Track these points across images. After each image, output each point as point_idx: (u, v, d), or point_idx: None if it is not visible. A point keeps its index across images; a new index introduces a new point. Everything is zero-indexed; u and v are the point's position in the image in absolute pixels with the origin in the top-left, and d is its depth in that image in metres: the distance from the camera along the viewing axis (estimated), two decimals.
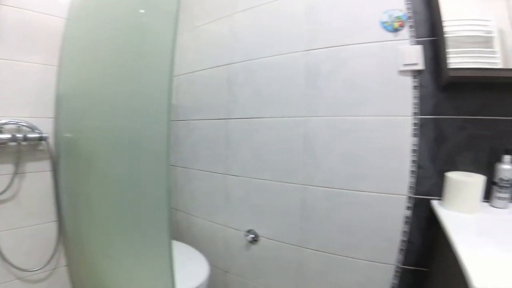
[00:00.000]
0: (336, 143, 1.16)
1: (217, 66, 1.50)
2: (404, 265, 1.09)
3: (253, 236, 1.37)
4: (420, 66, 1.03)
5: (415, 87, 1.04)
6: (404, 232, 1.08)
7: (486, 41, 0.97)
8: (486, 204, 0.97)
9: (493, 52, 0.97)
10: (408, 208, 1.06)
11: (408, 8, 1.05)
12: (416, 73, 1.04)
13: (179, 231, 1.75)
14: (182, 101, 1.69)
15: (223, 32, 1.47)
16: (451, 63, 0.93)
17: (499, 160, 0.95)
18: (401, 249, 1.09)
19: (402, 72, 1.05)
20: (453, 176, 0.95)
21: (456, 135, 1.01)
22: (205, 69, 1.56)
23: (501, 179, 0.94)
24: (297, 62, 1.23)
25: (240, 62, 1.41)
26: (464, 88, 1.00)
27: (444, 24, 0.94)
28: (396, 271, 1.10)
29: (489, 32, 0.97)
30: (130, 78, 1.02)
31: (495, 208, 0.95)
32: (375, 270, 1.13)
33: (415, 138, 1.04)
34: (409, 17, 1.05)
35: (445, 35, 0.94)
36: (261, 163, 1.35)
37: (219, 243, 1.54)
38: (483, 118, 0.99)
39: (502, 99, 0.98)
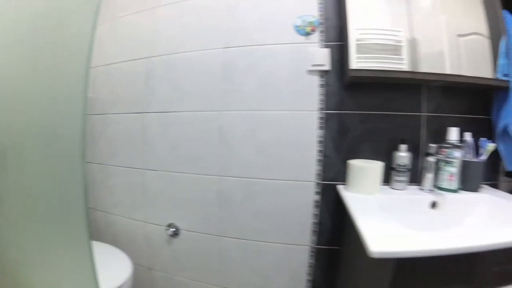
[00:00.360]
0: (250, 135, 1.22)
1: (136, 59, 1.44)
2: (318, 245, 1.22)
3: (174, 229, 1.37)
4: (327, 67, 1.15)
5: (321, 85, 1.16)
6: (315, 215, 1.20)
7: (395, 49, 1.10)
8: (386, 187, 1.14)
9: (401, 59, 1.10)
10: (317, 193, 1.18)
11: (320, 15, 1.16)
12: (323, 73, 1.16)
13: (98, 231, 1.64)
14: (99, 94, 1.58)
15: (144, 25, 1.41)
16: (356, 65, 1.05)
17: (396, 149, 1.12)
18: (314, 230, 1.21)
19: (311, 72, 1.16)
20: (354, 163, 1.08)
21: (358, 127, 1.16)
22: (124, 61, 1.48)
23: (398, 165, 1.10)
24: (216, 58, 1.26)
25: (159, 56, 1.37)
26: (365, 87, 1.14)
27: (350, 31, 1.06)
28: (312, 251, 1.22)
29: (399, 41, 1.10)
30: (43, 68, 0.92)
31: (394, 190, 1.11)
32: (292, 252, 1.23)
33: (321, 131, 1.16)
34: (321, 23, 1.16)
35: (349, 41, 1.05)
36: (179, 156, 1.35)
37: (141, 240, 1.49)
38: (382, 113, 1.15)
39: (398, 97, 1.16)
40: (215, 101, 1.26)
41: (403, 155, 1.09)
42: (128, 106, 1.46)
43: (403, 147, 1.09)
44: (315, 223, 1.20)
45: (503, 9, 1.16)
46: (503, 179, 1.27)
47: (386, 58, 1.07)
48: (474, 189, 1.10)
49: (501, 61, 1.11)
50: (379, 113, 1.15)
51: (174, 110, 1.33)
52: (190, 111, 1.30)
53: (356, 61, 1.06)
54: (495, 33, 1.14)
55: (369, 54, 1.07)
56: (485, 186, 1.18)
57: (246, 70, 1.22)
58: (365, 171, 1.05)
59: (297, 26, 1.16)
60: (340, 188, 1.11)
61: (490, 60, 1.13)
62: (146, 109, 1.40)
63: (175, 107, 1.33)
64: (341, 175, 1.14)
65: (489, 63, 1.13)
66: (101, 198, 1.61)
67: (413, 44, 1.10)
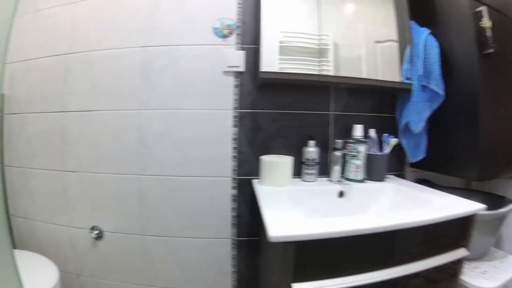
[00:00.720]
0: (168, 133, 1.24)
1: (55, 55, 1.37)
2: (238, 237, 1.26)
3: (97, 232, 1.33)
4: (242, 68, 1.20)
5: (236, 86, 1.21)
6: (233, 208, 1.24)
7: (321, 52, 1.16)
8: (298, 179, 1.21)
9: (328, 61, 1.17)
10: (234, 187, 1.24)
11: (238, 18, 1.21)
12: (238, 74, 1.21)
13: (21, 239, 1.54)
14: (17, 92, 1.49)
15: (65, 19, 1.35)
16: (279, 66, 1.11)
17: (305, 144, 1.20)
18: (234, 223, 1.25)
19: (226, 73, 1.21)
20: (266, 158, 1.13)
21: (270, 125, 1.23)
22: (43, 57, 1.41)
23: (307, 159, 1.17)
24: (135, 56, 1.25)
25: (79, 52, 1.33)
26: (277, 87, 1.22)
27: (263, 35, 1.11)
28: (233, 244, 1.27)
29: (326, 44, 1.16)
30: None
31: (305, 182, 1.19)
32: (215, 245, 1.27)
33: (235, 129, 1.21)
34: (238, 26, 1.21)
35: (261, 44, 1.10)
36: (98, 156, 1.32)
37: (66, 246, 1.43)
38: (293, 112, 1.24)
39: (309, 97, 1.25)
40: (134, 100, 1.25)
41: (311, 150, 1.17)
42: (47, 104, 1.39)
43: (312, 142, 1.18)
44: (234, 216, 1.25)
45: (410, 19, 1.29)
46: (408, 170, 1.42)
47: (310, 60, 1.14)
48: (379, 179, 1.21)
49: (405, 66, 1.23)
50: (290, 112, 1.23)
51: (93, 109, 1.30)
52: (109, 110, 1.28)
53: (279, 62, 1.11)
54: (403, 41, 1.27)
55: (292, 56, 1.13)
56: (391, 176, 1.30)
57: (164, 70, 1.23)
58: (276, 165, 1.11)
59: (215, 28, 1.20)
60: (255, 182, 1.16)
61: (398, 65, 1.25)
62: (65, 107, 1.35)
63: (94, 105, 1.30)
64: (256, 170, 1.20)
65: (397, 68, 1.24)
66: (22, 204, 1.51)
67: (335, 49, 1.18)
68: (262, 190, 1.05)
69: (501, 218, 1.24)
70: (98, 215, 1.34)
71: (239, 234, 1.26)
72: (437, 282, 0.97)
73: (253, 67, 1.19)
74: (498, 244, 1.50)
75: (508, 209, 1.20)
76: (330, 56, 1.17)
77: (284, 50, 1.12)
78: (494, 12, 1.25)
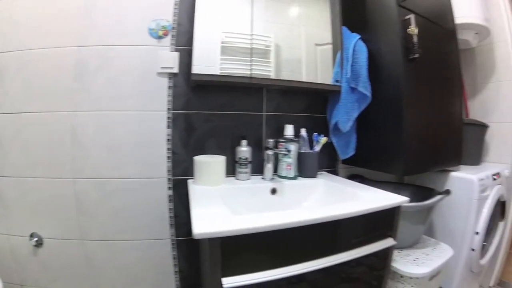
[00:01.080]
0: (102, 136, 1.23)
1: None
2: (177, 237, 1.28)
3: (37, 239, 1.29)
4: (175, 70, 1.22)
5: (170, 87, 1.23)
6: (170, 209, 1.26)
7: (264, 53, 1.20)
8: (232, 178, 1.25)
9: (269, 62, 1.21)
10: (170, 188, 1.25)
11: (174, 20, 1.22)
12: (172, 75, 1.23)
13: None
14: None
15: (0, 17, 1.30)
16: (220, 66, 1.13)
17: (238, 144, 1.23)
18: (172, 224, 1.27)
19: (160, 74, 1.22)
20: (199, 158, 1.16)
21: (203, 126, 1.25)
22: None
23: (240, 158, 1.21)
24: (69, 56, 1.23)
25: (13, 51, 1.28)
26: (211, 89, 1.24)
27: (195, 37, 1.11)
28: (173, 244, 1.28)
29: (268, 46, 1.20)
30: None
31: (239, 180, 1.23)
32: (155, 247, 1.27)
33: (169, 129, 1.23)
34: (173, 28, 1.22)
35: (194, 47, 1.11)
36: (33, 159, 1.28)
37: (7, 255, 1.38)
38: (226, 112, 1.27)
39: (242, 98, 1.29)
40: (68, 101, 1.23)
41: (244, 150, 1.21)
42: None
43: (244, 142, 1.22)
44: (171, 216, 1.26)
45: (343, 25, 1.36)
46: (341, 166, 1.50)
47: (254, 61, 1.17)
48: (311, 175, 1.27)
49: (335, 69, 1.30)
50: (223, 112, 1.27)
51: (27, 110, 1.26)
52: (43, 112, 1.25)
53: (221, 63, 1.13)
54: (336, 45, 1.33)
55: (234, 56, 1.15)
56: (324, 172, 1.37)
57: (99, 70, 1.22)
58: (209, 165, 1.14)
59: (151, 29, 1.21)
60: (189, 182, 1.18)
61: (332, 67, 1.31)
62: None
63: (28, 107, 1.26)
64: (191, 170, 1.22)
65: (330, 70, 1.31)
66: None
67: (277, 50, 1.22)
68: (195, 189, 1.07)
69: (430, 209, 1.33)
70: (37, 222, 1.31)
71: (178, 234, 1.28)
72: (368, 271, 1.03)
73: (187, 68, 1.20)
74: (430, 233, 1.61)
75: (434, 200, 1.28)
76: (272, 57, 1.21)
77: (226, 50, 1.14)
78: (421, 19, 1.34)
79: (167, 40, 1.22)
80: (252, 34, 1.17)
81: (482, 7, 1.74)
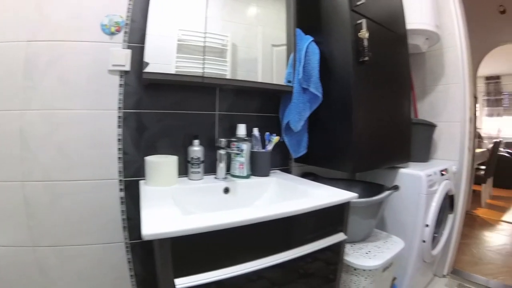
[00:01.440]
0: (52, 136, 1.18)
1: None
2: (131, 240, 1.25)
3: None
4: (127, 68, 1.19)
5: (121, 85, 1.19)
6: (123, 211, 1.23)
7: (221, 52, 1.21)
8: (185, 178, 1.24)
9: (225, 61, 1.22)
10: (121, 190, 1.22)
11: (128, 16, 1.19)
12: (123, 73, 1.19)
13: None
14: None
15: None
16: (176, 64, 1.12)
17: (190, 144, 1.23)
18: (125, 226, 1.24)
19: (112, 72, 1.18)
20: (150, 159, 1.15)
21: (155, 125, 1.23)
22: None
23: (192, 158, 1.22)
24: (19, 52, 1.17)
25: None
26: (163, 87, 1.23)
27: (148, 35, 1.09)
28: (127, 247, 1.25)
29: (224, 45, 1.21)
30: None
31: (191, 180, 1.22)
32: (110, 250, 1.24)
33: (120, 129, 1.20)
34: (127, 24, 1.19)
35: (146, 44, 1.09)
36: None
37: None
38: (177, 112, 1.26)
39: (195, 97, 1.28)
40: (16, 99, 1.17)
41: (196, 149, 1.21)
42: None
43: (196, 142, 1.22)
44: (124, 219, 1.23)
45: (297, 27, 1.40)
46: (294, 164, 1.54)
47: (210, 59, 1.17)
48: (264, 174, 1.30)
49: (288, 70, 1.34)
50: (176, 111, 1.25)
51: None
52: None
53: (176, 61, 1.12)
54: (290, 47, 1.37)
55: (191, 54, 1.14)
56: (277, 171, 1.41)
57: (49, 67, 1.17)
58: (160, 165, 1.13)
59: (103, 25, 1.17)
60: (141, 183, 1.16)
61: (285, 68, 1.35)
62: None
63: None
64: (142, 171, 1.20)
65: (284, 71, 1.35)
66: None
67: (233, 50, 1.23)
68: (146, 190, 1.06)
69: (379, 203, 1.39)
70: None
71: (131, 237, 1.25)
72: (322, 266, 1.07)
73: (139, 66, 1.17)
74: (382, 227, 1.69)
75: (383, 196, 1.35)
76: (228, 56, 1.22)
77: (183, 48, 1.13)
78: (373, 24, 1.41)
79: (120, 36, 1.18)
80: (206, 32, 1.17)
81: (434, 14, 1.85)
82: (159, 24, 1.11)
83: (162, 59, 1.11)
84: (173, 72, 1.12)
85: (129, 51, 1.19)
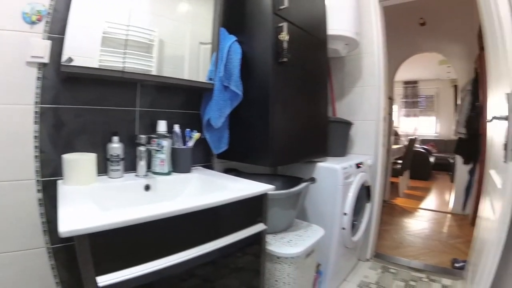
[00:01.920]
0: None
1: None
2: (53, 244, 1.16)
3: None
4: (46, 60, 1.11)
5: (39, 78, 1.11)
6: (42, 214, 1.14)
7: (148, 47, 1.18)
8: (105, 176, 1.21)
9: (151, 57, 1.20)
10: (39, 191, 1.13)
11: (51, 5, 1.11)
12: (42, 66, 1.11)
13: None
14: None
15: None
16: (100, 58, 1.07)
17: (110, 140, 1.20)
18: (45, 230, 1.15)
19: (30, 64, 1.10)
20: (68, 156, 1.09)
21: (74, 121, 1.17)
22: None
23: (112, 155, 1.19)
24: None
25: None
26: (83, 82, 1.17)
27: (68, 24, 1.04)
28: (49, 252, 1.16)
29: (152, 40, 1.18)
30: None
31: (111, 179, 1.19)
32: (29, 258, 1.13)
33: (36, 125, 1.11)
34: (49, 13, 1.11)
35: (66, 35, 1.04)
36: None
37: None
38: (97, 107, 1.22)
39: (116, 93, 1.25)
40: None
41: (115, 146, 1.19)
42: None
43: (115, 138, 1.19)
44: (44, 222, 1.15)
45: (222, 26, 1.45)
46: (216, 161, 1.59)
47: (134, 54, 1.15)
48: (185, 170, 1.33)
49: (210, 68, 1.38)
50: (95, 107, 1.21)
51: None
52: None
53: (100, 54, 1.08)
54: (214, 45, 1.42)
55: (116, 48, 1.11)
56: (199, 167, 1.45)
57: None
58: (79, 163, 1.09)
59: (25, 13, 1.08)
60: (59, 182, 1.11)
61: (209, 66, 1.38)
62: None
63: None
64: (61, 170, 1.13)
65: (208, 68, 1.38)
66: None
67: (160, 45, 1.23)
68: (64, 190, 1.02)
69: (298, 195, 1.50)
70: None
71: (53, 241, 1.16)
72: (245, 256, 1.12)
73: (59, 58, 1.09)
74: (304, 217, 1.81)
75: (300, 187, 1.45)
76: (155, 52, 1.21)
77: (108, 41, 1.09)
78: (294, 27, 1.51)
79: (41, 26, 1.10)
80: (129, 25, 1.13)
81: (355, 22, 2.03)
82: (84, 15, 1.05)
83: (85, 52, 1.07)
84: (96, 66, 1.09)
85: (48, 42, 1.11)
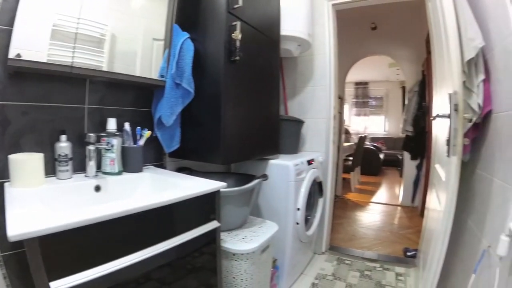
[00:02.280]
0: None
1: None
2: (3, 252, 1.07)
3: None
4: None
5: None
6: None
7: (99, 41, 1.13)
8: (53, 178, 1.15)
9: (102, 52, 1.15)
10: None
11: None
12: None
13: None
14: None
15: None
16: (48, 52, 1.01)
17: (58, 140, 1.14)
18: None
19: None
20: (13, 157, 1.02)
21: (20, 119, 1.10)
22: None
23: (60, 155, 1.13)
24: None
25: None
26: (29, 77, 1.10)
27: (17, 16, 0.96)
28: None
29: (103, 34, 1.13)
30: None
31: (60, 180, 1.13)
32: None
33: None
34: None
35: (14, 27, 0.96)
36: None
37: None
38: (45, 104, 1.15)
39: (64, 89, 1.19)
40: None
41: (63, 146, 1.13)
42: None
43: (63, 137, 1.14)
44: None
45: (176, 23, 1.43)
46: (169, 159, 1.59)
47: (85, 49, 1.09)
48: (136, 170, 1.31)
49: (162, 64, 1.37)
50: (43, 104, 1.15)
51: None
52: None
53: (49, 48, 1.02)
54: (167, 42, 1.40)
55: (65, 42, 1.05)
56: (151, 166, 1.43)
57: None
58: (25, 164, 1.03)
59: None
60: (6, 185, 1.03)
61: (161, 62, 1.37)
62: None
63: None
64: (7, 172, 1.04)
65: (160, 65, 1.37)
66: None
67: (112, 41, 1.18)
68: (12, 192, 0.96)
69: (251, 192, 1.53)
70: None
71: (3, 249, 1.07)
72: (201, 255, 1.12)
73: (6, 51, 1.00)
74: (258, 214, 1.86)
75: (252, 184, 1.48)
76: (106, 47, 1.16)
77: (58, 35, 1.03)
78: (248, 27, 1.54)
79: None
80: (79, 18, 1.07)
81: (308, 24, 2.10)
82: (34, 5, 0.99)
83: (33, 45, 1.00)
84: (45, 60, 1.03)
85: None
